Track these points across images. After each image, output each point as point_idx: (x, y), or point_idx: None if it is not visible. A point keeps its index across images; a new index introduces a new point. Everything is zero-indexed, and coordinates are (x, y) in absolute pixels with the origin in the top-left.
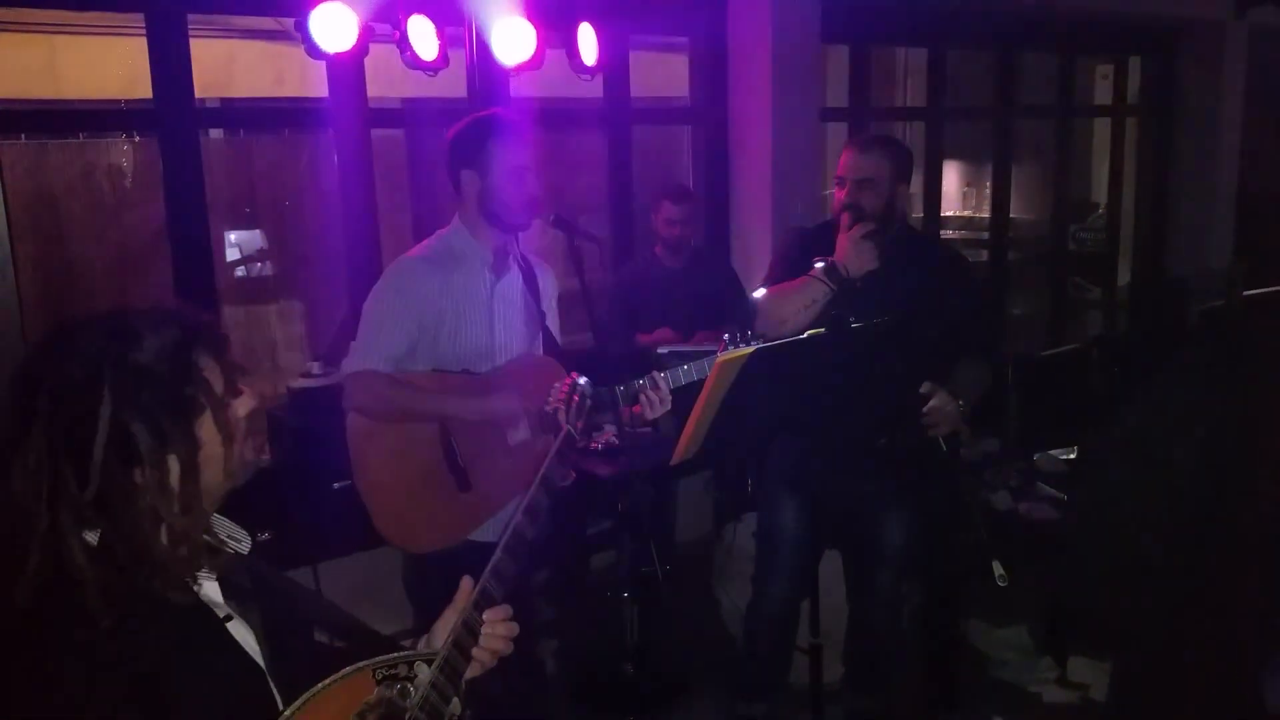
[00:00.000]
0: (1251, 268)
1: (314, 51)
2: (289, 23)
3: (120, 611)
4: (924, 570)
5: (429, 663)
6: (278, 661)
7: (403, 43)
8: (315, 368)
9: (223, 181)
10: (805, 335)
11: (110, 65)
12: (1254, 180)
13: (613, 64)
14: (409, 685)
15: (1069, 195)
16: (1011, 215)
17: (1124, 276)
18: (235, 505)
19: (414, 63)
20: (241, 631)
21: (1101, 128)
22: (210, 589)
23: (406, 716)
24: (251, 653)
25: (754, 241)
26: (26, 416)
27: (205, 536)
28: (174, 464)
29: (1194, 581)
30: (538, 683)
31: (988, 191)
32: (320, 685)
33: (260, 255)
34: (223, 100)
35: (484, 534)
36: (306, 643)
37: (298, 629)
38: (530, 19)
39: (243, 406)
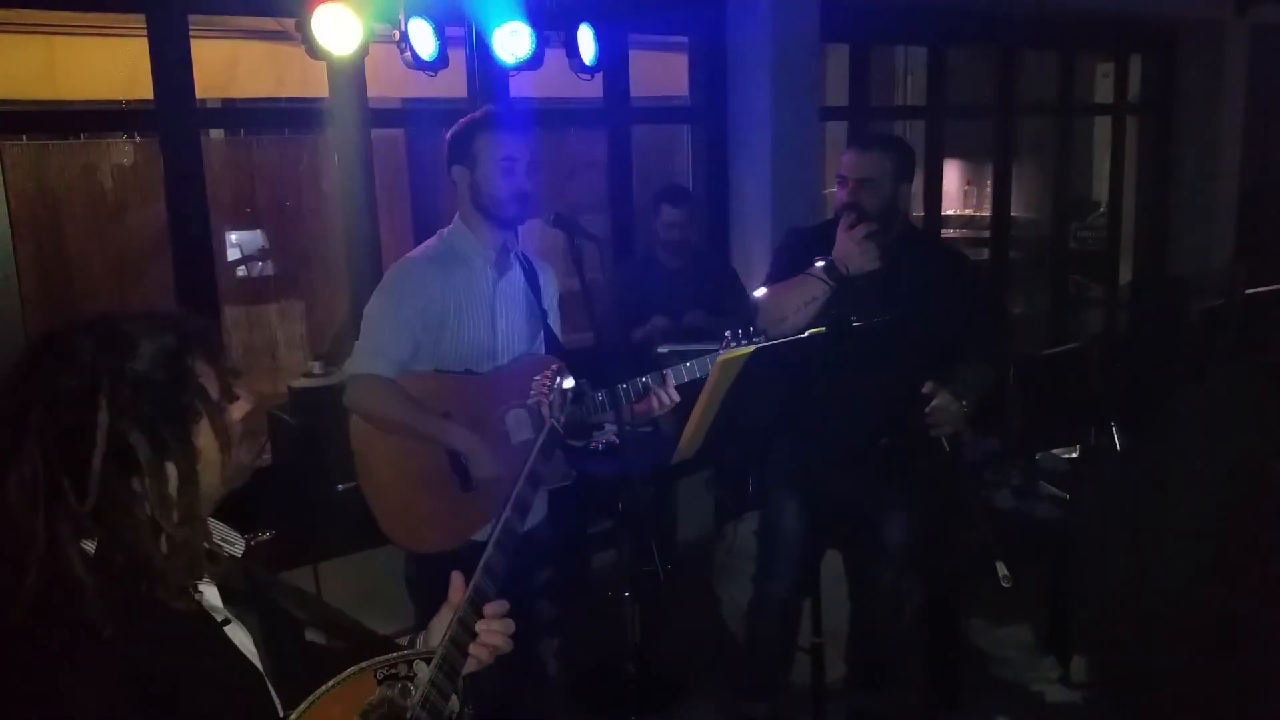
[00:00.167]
0: (1252, 266)
1: (314, 52)
2: (290, 23)
3: (121, 620)
4: (926, 569)
5: (428, 661)
6: (275, 664)
7: (403, 43)
8: (316, 367)
9: (223, 182)
10: (806, 334)
11: (111, 66)
12: (1255, 178)
13: (612, 64)
14: (409, 684)
15: (1070, 194)
16: (1012, 214)
17: (1125, 275)
18: (235, 506)
19: (414, 63)
20: (239, 635)
21: (1102, 126)
22: (209, 593)
23: (408, 715)
24: (249, 656)
25: (754, 241)
26: (19, 428)
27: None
28: (172, 472)
29: None
30: (538, 682)
31: (988, 190)
32: (324, 688)
33: (261, 255)
34: (223, 101)
35: (487, 534)
36: (300, 645)
37: (292, 631)
38: (530, 19)
39: (238, 411)
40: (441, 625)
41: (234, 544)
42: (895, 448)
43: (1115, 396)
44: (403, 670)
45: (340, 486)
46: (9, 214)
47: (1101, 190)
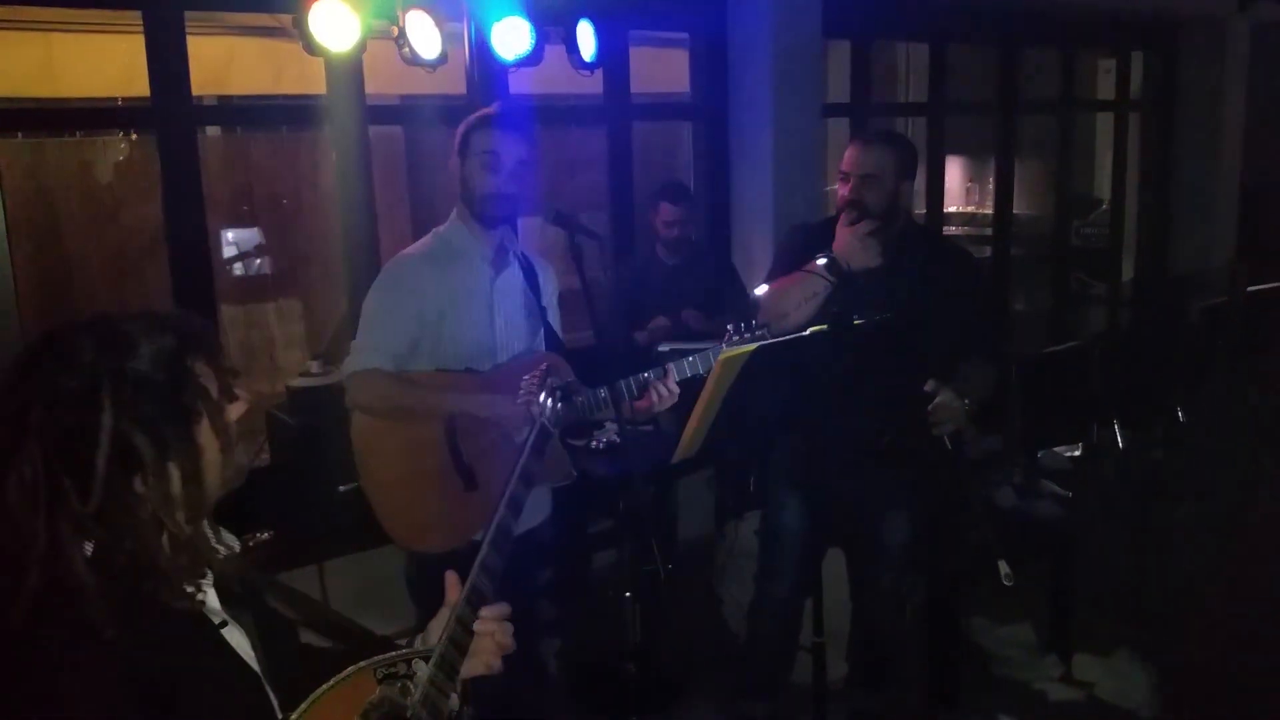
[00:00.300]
0: (1254, 264)
1: (312, 48)
2: (287, 20)
3: (122, 622)
4: (927, 568)
5: (426, 660)
6: (271, 666)
7: (401, 39)
8: (314, 366)
9: (220, 179)
10: (808, 332)
11: (107, 63)
12: (1256, 176)
13: (613, 60)
14: (409, 683)
15: (1071, 191)
16: (1014, 211)
17: (1127, 272)
18: (234, 506)
19: (412, 59)
20: (236, 637)
21: (1104, 123)
22: (208, 595)
23: (409, 714)
24: (247, 658)
25: (755, 238)
26: (20, 429)
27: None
28: (175, 472)
29: None
30: (539, 682)
31: (990, 187)
32: (324, 687)
33: (258, 253)
34: (220, 98)
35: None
36: (296, 647)
37: (287, 633)
38: (529, 15)
39: (235, 411)
40: (439, 625)
41: (229, 546)
42: (897, 446)
43: (1117, 394)
44: (402, 669)
45: (341, 487)
46: (5, 212)
47: (1103, 187)
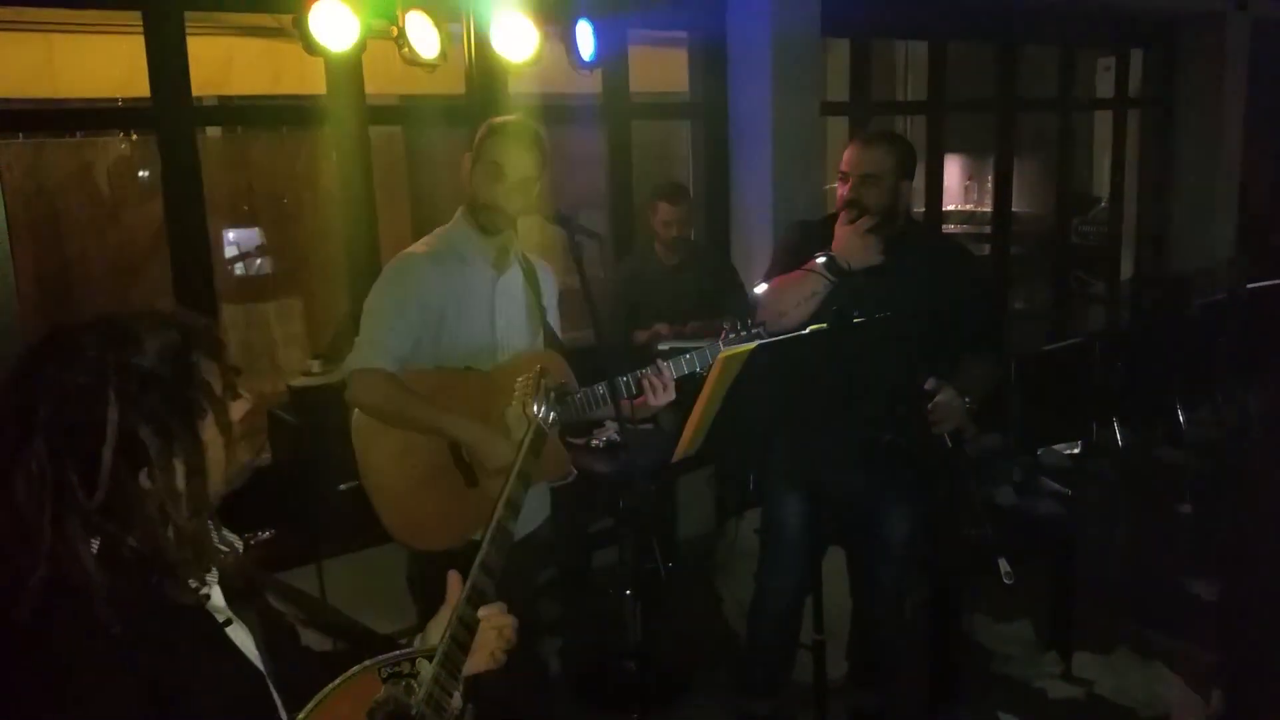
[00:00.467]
0: (1254, 260)
1: (311, 48)
2: (287, 20)
3: (128, 619)
4: (927, 566)
5: (429, 659)
6: (274, 665)
7: (400, 39)
8: (315, 366)
9: (221, 179)
10: (808, 330)
11: (108, 63)
12: (1256, 173)
13: (612, 59)
14: (413, 682)
15: (1071, 189)
16: (1013, 209)
17: (1127, 270)
18: (236, 505)
19: (412, 59)
20: (240, 635)
21: (1103, 121)
22: (212, 593)
23: (413, 712)
24: (251, 656)
25: (754, 237)
26: (26, 426)
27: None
28: (180, 467)
29: None
30: (541, 680)
31: (989, 185)
32: (330, 686)
33: (258, 253)
34: (220, 98)
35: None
36: (298, 646)
37: (288, 633)
38: (528, 14)
39: (238, 410)
40: (440, 625)
41: (232, 545)
42: (897, 444)
43: (1117, 392)
44: (406, 668)
45: (342, 486)
46: (6, 212)
47: (1102, 185)
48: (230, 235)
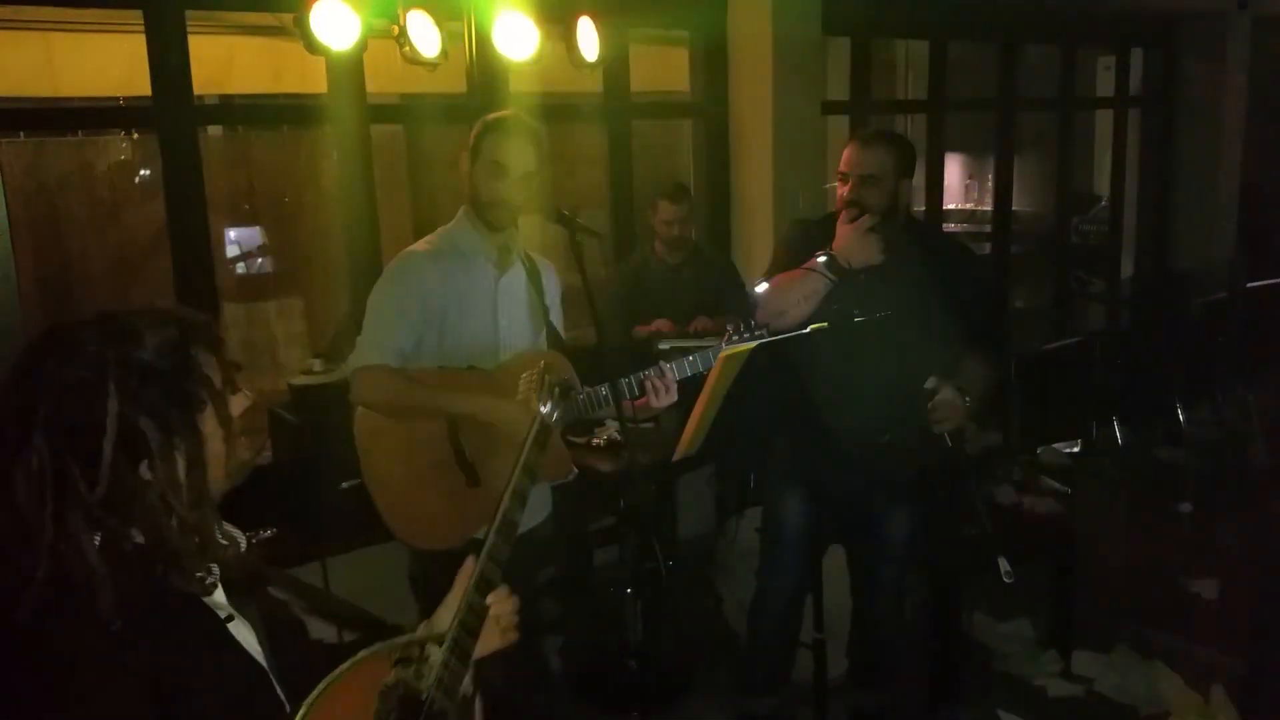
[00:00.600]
0: (1254, 259)
1: (313, 47)
2: (288, 19)
3: (129, 615)
4: (928, 564)
5: (439, 645)
6: (279, 660)
7: (401, 38)
8: (316, 365)
9: (222, 178)
10: (809, 329)
11: (108, 62)
12: (1257, 172)
13: (612, 58)
14: (423, 667)
15: (1071, 188)
16: (1014, 208)
17: (1127, 269)
18: (237, 504)
19: (413, 58)
20: (243, 632)
21: (1103, 120)
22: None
23: (424, 696)
24: (254, 652)
25: (755, 235)
26: (27, 422)
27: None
28: (180, 459)
29: None
30: (541, 679)
31: (990, 184)
32: (340, 669)
33: (260, 252)
34: (221, 97)
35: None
36: (303, 640)
37: (294, 627)
38: (529, 13)
39: (237, 406)
40: (448, 612)
41: (235, 541)
42: (897, 443)
43: (1117, 391)
44: (415, 653)
45: (344, 485)
46: (7, 211)
47: (1103, 184)
48: (231, 234)
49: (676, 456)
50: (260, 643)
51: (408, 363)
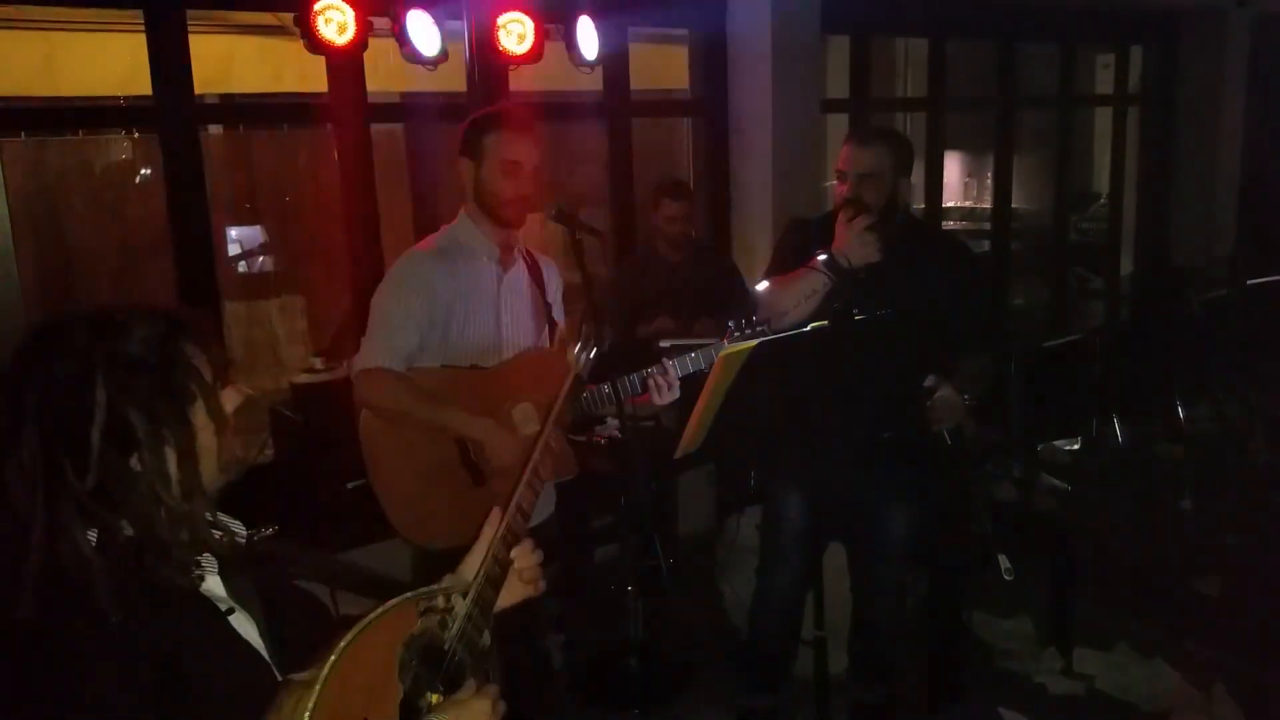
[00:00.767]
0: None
1: (313, 46)
2: (288, 18)
3: (128, 607)
4: (928, 562)
5: (464, 596)
6: (282, 653)
7: (402, 37)
8: (318, 363)
9: (223, 177)
10: (809, 328)
11: (109, 62)
12: (1256, 169)
13: (612, 56)
14: (447, 617)
15: (1070, 186)
16: (1013, 206)
17: (1126, 266)
18: (238, 501)
19: (413, 57)
20: (244, 625)
21: (1103, 117)
22: (213, 582)
23: (446, 647)
24: (255, 645)
25: (755, 234)
26: (16, 416)
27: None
28: (170, 451)
29: None
30: (542, 676)
31: (989, 182)
32: (370, 617)
33: (261, 250)
34: (222, 96)
35: None
36: (320, 614)
37: (310, 604)
38: (529, 12)
39: (229, 401)
40: (474, 562)
41: (233, 534)
42: (897, 441)
43: (1116, 388)
44: (441, 603)
45: (350, 484)
46: (8, 211)
47: (1102, 182)
48: (232, 233)
49: (677, 454)
50: (262, 635)
51: (411, 363)
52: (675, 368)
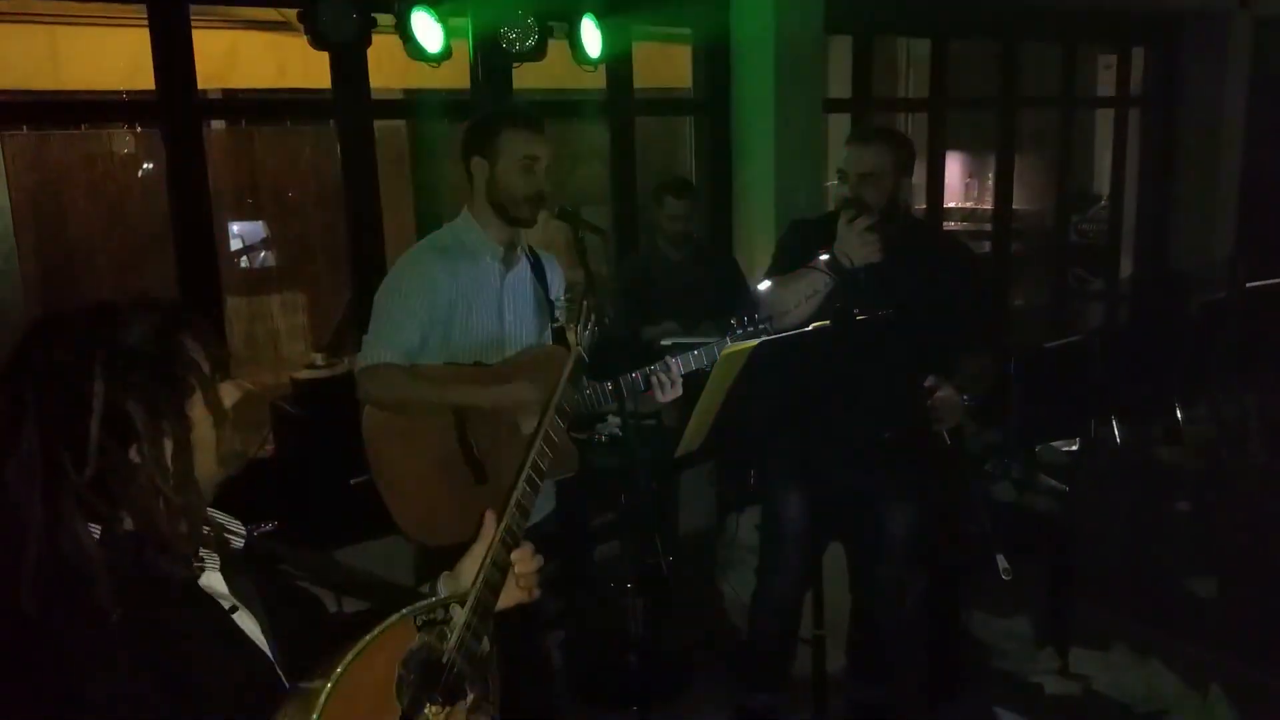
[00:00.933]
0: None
1: (317, 42)
2: (291, 14)
3: (128, 604)
4: (926, 561)
5: (462, 604)
6: (284, 650)
7: (405, 34)
8: (319, 359)
9: (225, 173)
10: (811, 327)
11: (113, 56)
12: (1257, 172)
13: (615, 55)
14: (446, 628)
15: (1071, 187)
16: (1014, 206)
17: (1126, 268)
18: (239, 497)
19: (417, 54)
20: (247, 623)
21: (1104, 119)
22: (214, 579)
23: (445, 659)
24: (258, 643)
25: (757, 233)
26: (16, 408)
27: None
28: (168, 443)
29: None
30: (542, 674)
31: (990, 183)
32: (369, 637)
33: (263, 246)
34: (225, 91)
35: None
36: (321, 615)
37: (310, 604)
38: (533, 10)
39: (228, 395)
40: (473, 564)
41: (237, 533)
42: (897, 441)
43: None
44: (441, 615)
45: (353, 481)
46: (10, 203)
47: (1103, 183)
48: (235, 228)
49: (678, 453)
50: (265, 632)
51: (414, 360)
52: (678, 364)
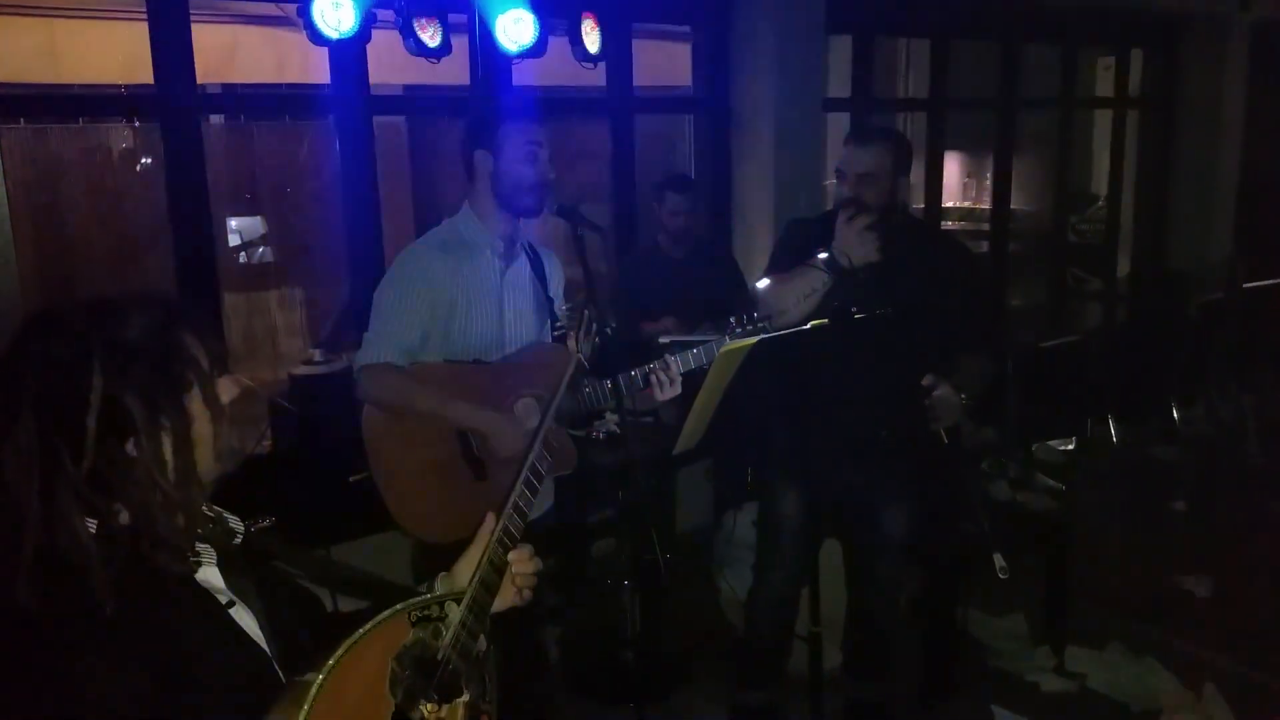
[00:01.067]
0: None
1: (316, 37)
2: (291, 9)
3: (124, 599)
4: (923, 560)
5: (458, 602)
6: (281, 646)
7: (405, 29)
8: (317, 355)
9: (224, 168)
10: (809, 326)
11: (112, 50)
12: (1255, 173)
13: (615, 53)
14: (441, 625)
15: (1069, 187)
16: (1012, 207)
17: (1123, 268)
18: (236, 493)
19: (417, 49)
20: (244, 618)
21: (1102, 120)
22: (211, 574)
23: (440, 656)
24: (255, 638)
25: (756, 231)
26: (14, 401)
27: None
28: (166, 438)
29: None
30: (539, 669)
31: (988, 183)
32: (362, 631)
33: (261, 242)
34: (224, 86)
35: None
36: (317, 612)
37: (307, 601)
38: (533, 7)
39: (226, 391)
40: (469, 565)
41: (234, 529)
42: (894, 439)
43: (1112, 389)
44: (435, 612)
45: (352, 478)
46: (7, 197)
47: (1101, 184)
48: (233, 223)
49: (676, 451)
50: (262, 628)
51: (414, 358)
52: (678, 362)
